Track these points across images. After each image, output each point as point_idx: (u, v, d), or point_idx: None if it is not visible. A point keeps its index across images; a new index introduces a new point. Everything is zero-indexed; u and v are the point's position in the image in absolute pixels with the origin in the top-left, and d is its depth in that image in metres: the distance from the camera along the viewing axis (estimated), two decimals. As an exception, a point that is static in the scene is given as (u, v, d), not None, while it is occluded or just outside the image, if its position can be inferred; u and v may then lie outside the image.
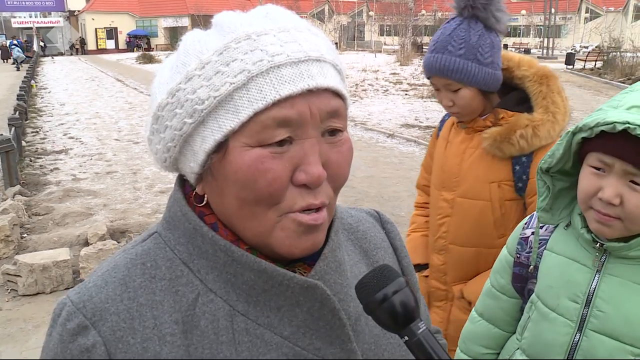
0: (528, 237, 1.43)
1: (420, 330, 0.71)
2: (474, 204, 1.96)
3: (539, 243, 1.38)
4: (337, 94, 0.74)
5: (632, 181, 1.14)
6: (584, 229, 1.26)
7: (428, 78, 1.93)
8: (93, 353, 0.70)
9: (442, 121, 2.18)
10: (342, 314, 0.77)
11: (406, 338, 0.71)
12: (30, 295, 4.55)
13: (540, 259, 1.37)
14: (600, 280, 1.24)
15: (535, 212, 1.42)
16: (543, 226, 1.39)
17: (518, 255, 1.44)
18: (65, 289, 4.62)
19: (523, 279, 1.44)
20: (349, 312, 0.79)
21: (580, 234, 1.27)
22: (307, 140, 0.71)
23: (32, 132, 11.76)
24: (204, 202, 0.78)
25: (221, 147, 0.71)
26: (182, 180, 0.82)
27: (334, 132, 0.74)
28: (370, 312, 0.72)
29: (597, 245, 1.24)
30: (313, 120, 0.71)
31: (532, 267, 1.39)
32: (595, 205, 1.19)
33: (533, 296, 1.37)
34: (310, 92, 0.70)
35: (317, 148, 0.71)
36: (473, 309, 1.60)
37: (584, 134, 1.18)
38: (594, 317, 1.23)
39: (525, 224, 1.46)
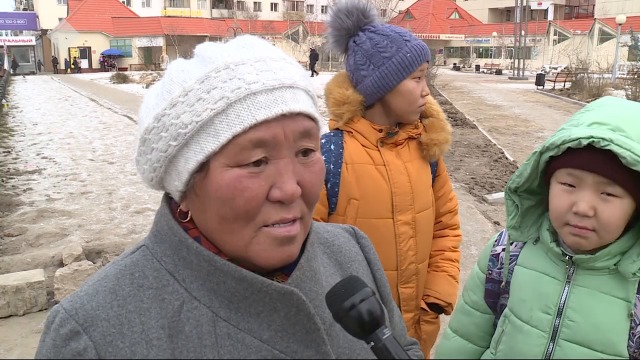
0: (499, 253, 1.48)
1: (385, 336, 0.76)
2: (428, 214, 2.00)
3: (510, 259, 1.44)
4: (309, 117, 0.81)
5: (603, 192, 1.21)
6: (553, 243, 1.32)
7: (412, 70, 1.82)
8: (84, 356, 0.75)
9: (336, 147, 1.91)
10: (317, 319, 0.83)
11: (372, 343, 0.77)
12: (2, 317, 4.46)
13: (512, 274, 1.42)
14: (569, 291, 1.31)
15: (504, 230, 1.48)
16: (512, 242, 1.45)
17: (490, 272, 1.49)
18: (39, 310, 4.54)
19: (495, 295, 1.49)
20: (324, 318, 0.85)
21: (550, 248, 1.33)
22: (281, 160, 0.78)
23: (4, 152, 11.57)
24: (188, 218, 0.84)
25: (203, 168, 0.78)
26: (168, 197, 0.88)
27: (306, 152, 0.81)
28: (339, 319, 0.78)
29: (567, 258, 1.31)
30: (287, 141, 0.78)
31: (503, 282, 1.44)
32: (571, 221, 1.25)
33: (506, 310, 1.42)
34: (284, 116, 0.77)
35: (291, 167, 0.79)
36: (447, 326, 1.64)
37: (550, 153, 1.25)
38: (565, 327, 1.30)
39: (496, 241, 1.51)
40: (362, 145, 1.90)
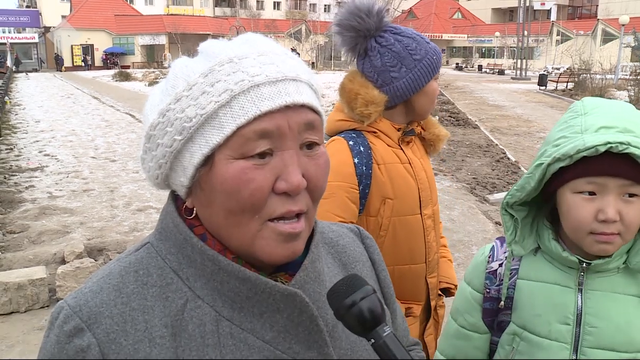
0: (496, 270, 1.41)
1: (385, 333, 0.77)
2: (438, 205, 2.10)
3: (510, 274, 1.38)
4: (312, 110, 0.82)
5: (625, 194, 1.19)
6: (567, 252, 1.29)
7: (437, 71, 1.90)
8: (88, 353, 0.75)
9: (364, 149, 1.88)
10: (319, 321, 0.83)
11: (372, 341, 0.77)
12: (4, 314, 4.47)
13: (514, 289, 1.37)
14: (584, 297, 1.28)
15: (493, 244, 1.45)
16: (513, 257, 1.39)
17: (488, 290, 1.42)
18: (41, 307, 4.56)
19: (494, 313, 1.42)
20: (327, 319, 0.86)
21: (564, 257, 1.29)
22: (286, 152, 0.78)
23: (6, 149, 11.59)
24: (193, 215, 0.85)
25: (208, 161, 0.78)
26: (174, 195, 0.88)
27: (311, 145, 0.82)
28: (340, 317, 0.79)
29: (583, 265, 1.27)
30: (291, 132, 0.78)
31: (503, 300, 1.38)
32: (596, 229, 1.21)
33: (515, 328, 1.36)
34: (287, 108, 0.78)
35: (296, 158, 0.79)
36: (440, 354, 1.55)
37: (561, 164, 1.21)
38: (587, 334, 1.27)
39: (489, 257, 1.44)
40: (388, 145, 1.92)
